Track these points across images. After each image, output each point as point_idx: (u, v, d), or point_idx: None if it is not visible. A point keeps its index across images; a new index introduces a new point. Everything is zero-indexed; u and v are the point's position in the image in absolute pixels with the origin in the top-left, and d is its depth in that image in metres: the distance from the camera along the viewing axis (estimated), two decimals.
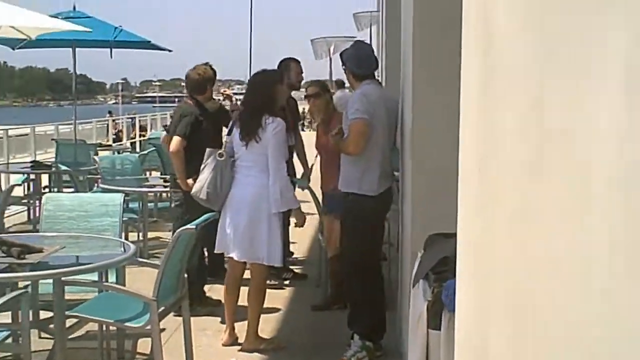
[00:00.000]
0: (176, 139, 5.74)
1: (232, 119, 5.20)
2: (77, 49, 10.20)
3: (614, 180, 0.72)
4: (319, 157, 6.07)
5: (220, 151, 5.01)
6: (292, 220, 5.47)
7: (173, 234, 4.70)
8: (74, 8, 10.62)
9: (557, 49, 0.88)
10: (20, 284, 4.40)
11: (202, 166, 5.06)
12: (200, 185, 4.96)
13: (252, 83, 5.16)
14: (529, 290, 1.04)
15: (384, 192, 4.77)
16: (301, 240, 7.94)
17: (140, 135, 20.35)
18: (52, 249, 4.42)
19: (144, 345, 4.87)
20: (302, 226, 5.26)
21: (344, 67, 4.93)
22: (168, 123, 28.17)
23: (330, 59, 25.05)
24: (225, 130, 5.66)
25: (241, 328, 5.08)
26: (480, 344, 1.35)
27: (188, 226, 4.31)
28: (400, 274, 5.06)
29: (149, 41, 10.93)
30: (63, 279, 4.19)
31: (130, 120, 23.13)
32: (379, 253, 5.08)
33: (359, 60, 4.82)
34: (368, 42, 21.40)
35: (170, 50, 11.86)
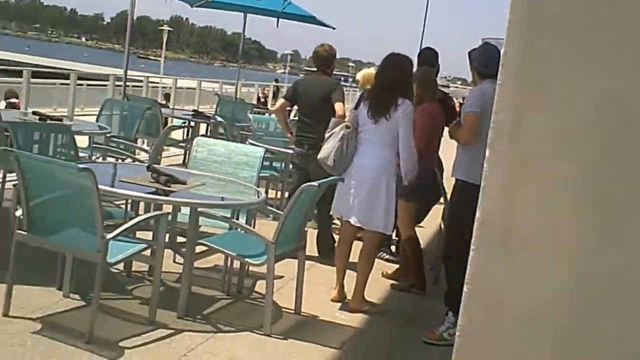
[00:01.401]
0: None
1: (360, 94, 5.52)
2: (248, 15, 10.89)
3: None
4: None
5: (347, 123, 5.38)
6: None
7: None
8: None
9: None
10: (165, 210, 5.02)
11: (328, 135, 5.47)
12: (327, 152, 5.34)
13: (389, 64, 5.43)
14: None
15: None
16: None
17: None
18: (195, 184, 5.00)
19: (261, 286, 5.37)
20: None
21: (470, 64, 5.27)
22: None
23: (468, 55, 24.52)
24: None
25: (350, 288, 5.48)
26: None
27: (312, 183, 4.74)
28: None
29: (314, 17, 11.44)
30: (199, 209, 4.76)
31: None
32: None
33: (485, 61, 5.13)
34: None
35: (333, 28, 12.32)
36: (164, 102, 13.49)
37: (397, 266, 6.47)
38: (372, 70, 6.69)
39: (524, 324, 0.88)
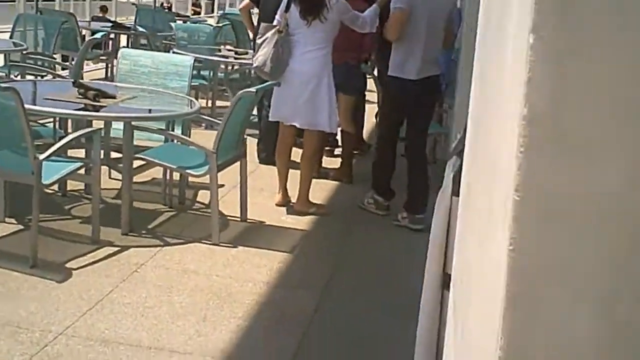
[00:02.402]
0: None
1: None
2: None
3: None
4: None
5: (278, 27, 5.19)
6: None
7: None
8: None
9: None
10: (94, 125, 4.82)
11: (260, 40, 5.31)
12: (264, 59, 5.17)
13: None
14: None
15: (425, 78, 5.14)
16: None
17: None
18: (125, 97, 4.80)
19: (202, 196, 5.29)
20: None
21: None
22: None
23: None
24: None
25: (294, 192, 5.44)
26: (465, 202, 1.53)
27: (249, 89, 4.61)
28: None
29: None
30: (133, 123, 4.58)
31: None
32: (397, 129, 5.45)
33: None
34: None
35: None
36: (100, 15, 12.89)
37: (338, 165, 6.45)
38: None
39: (584, 231, 0.81)
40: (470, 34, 4.23)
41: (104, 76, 9.95)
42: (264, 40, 5.25)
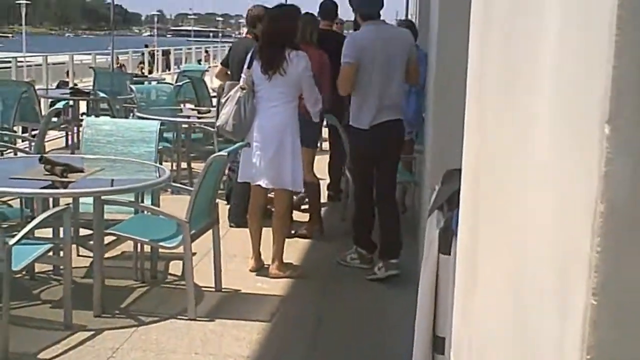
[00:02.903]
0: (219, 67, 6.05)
1: (251, 52, 5.29)
2: None
3: None
4: None
5: (241, 85, 5.17)
6: None
7: None
8: None
9: None
10: (62, 201, 4.67)
11: (224, 99, 5.26)
12: (226, 117, 5.13)
13: (272, 16, 5.33)
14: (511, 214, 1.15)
15: (380, 124, 5.15)
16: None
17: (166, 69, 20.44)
18: (93, 170, 4.67)
19: (175, 267, 5.15)
20: None
21: (351, 7, 5.36)
22: (203, 57, 27.77)
23: None
24: None
25: (268, 255, 5.32)
26: (471, 264, 1.49)
27: (220, 153, 4.52)
28: (418, 206, 5.53)
29: None
30: (103, 197, 4.45)
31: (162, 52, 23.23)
32: (370, 181, 5.40)
33: (364, 1, 5.22)
34: None
35: None
36: (66, 80, 12.76)
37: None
38: None
39: None
40: (438, 82, 4.23)
41: (64, 145, 9.79)
42: (227, 99, 5.21)
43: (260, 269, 5.31)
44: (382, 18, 5.39)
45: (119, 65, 17.63)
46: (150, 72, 20.38)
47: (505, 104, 1.21)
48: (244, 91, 5.12)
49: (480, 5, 1.58)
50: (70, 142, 9.55)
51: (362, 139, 5.25)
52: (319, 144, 7.15)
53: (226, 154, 4.51)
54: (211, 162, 4.46)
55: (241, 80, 5.25)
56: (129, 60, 18.37)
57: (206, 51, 30.14)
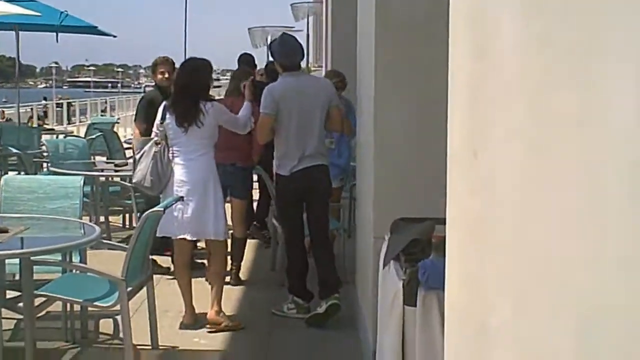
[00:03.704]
0: (136, 125, 5.94)
1: (162, 106, 5.26)
2: (20, 33, 10.11)
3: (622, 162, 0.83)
4: None
5: (156, 139, 5.15)
6: None
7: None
8: None
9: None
10: None
11: (139, 155, 5.25)
12: (142, 173, 5.10)
13: (186, 69, 5.33)
14: (531, 268, 1.14)
15: (302, 170, 5.24)
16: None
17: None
18: (18, 230, 4.49)
19: (105, 325, 4.99)
20: None
21: (272, 58, 5.53)
22: (109, 108, 27.15)
23: (268, 47, 24.82)
24: None
25: (200, 308, 5.24)
26: (478, 321, 1.46)
27: (155, 208, 4.44)
28: (357, 252, 5.64)
29: (96, 27, 10.91)
30: (32, 258, 4.29)
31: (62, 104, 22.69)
32: (299, 227, 5.48)
33: (284, 53, 5.33)
34: (305, 31, 21.62)
35: (114, 36, 11.83)
36: (41, 123, 12.25)
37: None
38: None
39: None
40: (379, 133, 4.31)
41: None
42: (142, 155, 5.18)
43: (195, 323, 5.19)
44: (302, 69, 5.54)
45: (6, 119, 17.14)
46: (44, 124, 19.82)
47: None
48: (159, 145, 5.11)
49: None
50: None
51: (286, 184, 5.33)
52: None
53: (162, 209, 4.44)
54: (147, 217, 4.37)
55: (153, 133, 5.25)
56: (33, 113, 17.87)
57: (105, 102, 29.73)
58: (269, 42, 24.87)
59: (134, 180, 5.26)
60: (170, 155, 5.12)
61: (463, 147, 1.61)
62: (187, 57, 5.61)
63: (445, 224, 3.18)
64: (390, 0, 3.97)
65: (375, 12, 3.99)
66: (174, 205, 4.98)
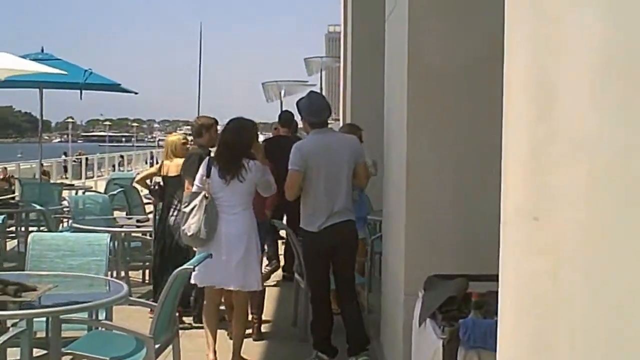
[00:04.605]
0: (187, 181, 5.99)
1: (207, 160, 5.49)
2: (44, 90, 10.29)
3: None
4: None
5: (205, 193, 5.33)
6: None
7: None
8: (42, 50, 10.70)
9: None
10: (13, 321, 4.47)
11: (189, 208, 5.36)
12: (197, 226, 5.27)
13: (232, 127, 5.56)
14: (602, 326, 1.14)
15: (330, 226, 5.28)
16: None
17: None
18: (46, 287, 4.49)
19: None
20: None
21: (300, 115, 5.59)
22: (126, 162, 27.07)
23: (281, 102, 25.08)
24: None
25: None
26: None
27: (186, 266, 4.46)
28: (383, 308, 5.62)
29: (119, 84, 11.08)
30: (61, 316, 4.29)
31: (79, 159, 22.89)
32: (326, 283, 5.49)
33: (312, 111, 5.43)
34: (318, 85, 21.82)
35: (136, 93, 12.02)
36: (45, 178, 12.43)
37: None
38: (175, 137, 7.02)
39: None
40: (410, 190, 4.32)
41: None
42: (192, 208, 5.33)
43: None
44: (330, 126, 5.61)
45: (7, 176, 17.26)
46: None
47: None
48: (208, 199, 5.31)
49: None
50: None
51: (314, 240, 5.35)
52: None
53: (192, 267, 4.46)
54: (177, 275, 4.38)
55: (195, 187, 5.41)
56: (53, 168, 18.03)
57: (121, 156, 30.05)
58: (282, 96, 25.35)
59: (189, 234, 5.33)
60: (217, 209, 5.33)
61: (520, 211, 1.61)
62: (233, 117, 5.73)
63: (478, 280, 3.19)
64: (423, 51, 4.00)
65: (407, 63, 4.02)
66: (219, 257, 5.20)
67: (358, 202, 6.42)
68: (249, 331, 6.04)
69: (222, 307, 5.90)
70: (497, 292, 1.79)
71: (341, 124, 11.93)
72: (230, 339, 5.60)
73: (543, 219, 1.42)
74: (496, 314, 1.94)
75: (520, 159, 1.55)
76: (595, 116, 1.17)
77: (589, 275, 1.21)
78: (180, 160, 6.54)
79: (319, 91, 16.43)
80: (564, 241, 1.34)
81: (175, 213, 6.27)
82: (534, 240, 1.53)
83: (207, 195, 5.31)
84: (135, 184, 8.77)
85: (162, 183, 6.93)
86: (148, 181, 7.75)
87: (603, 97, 1.14)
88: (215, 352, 5.45)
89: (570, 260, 1.32)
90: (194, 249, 5.57)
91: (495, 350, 1.80)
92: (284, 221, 7.35)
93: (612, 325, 1.10)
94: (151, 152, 27.64)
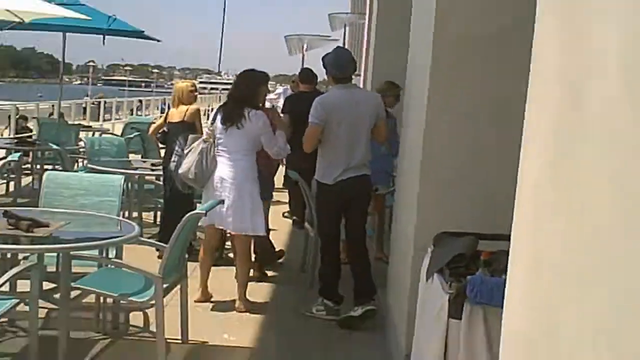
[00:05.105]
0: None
1: (216, 109, 5.75)
2: (67, 34, 10.29)
3: None
4: None
5: (204, 137, 5.61)
6: None
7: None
8: None
9: None
10: (24, 255, 4.53)
11: (187, 150, 5.66)
12: (188, 167, 5.55)
13: (240, 78, 5.79)
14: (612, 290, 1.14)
15: (344, 180, 5.29)
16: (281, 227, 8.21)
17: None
18: (58, 224, 4.55)
19: (135, 318, 5.07)
20: None
21: (325, 69, 5.51)
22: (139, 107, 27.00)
23: (303, 56, 24.92)
24: None
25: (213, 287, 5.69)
26: (544, 349, 1.46)
27: (197, 210, 4.51)
28: (392, 261, 5.64)
29: (143, 31, 11.03)
30: (71, 253, 4.35)
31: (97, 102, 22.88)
32: (336, 235, 5.54)
33: (338, 65, 5.39)
34: (342, 41, 21.59)
35: (159, 40, 11.99)
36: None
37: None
38: (183, 84, 7.02)
39: None
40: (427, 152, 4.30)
41: (4, 192, 9.55)
42: (189, 150, 5.63)
43: (206, 301, 5.65)
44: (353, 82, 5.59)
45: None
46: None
47: None
48: (206, 143, 5.54)
49: None
50: (15, 189, 9.31)
51: (328, 193, 5.37)
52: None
53: (204, 212, 4.51)
54: (188, 219, 4.42)
55: (204, 133, 5.67)
56: (71, 109, 18.07)
57: (140, 101, 30.02)
58: (304, 50, 25.14)
59: (179, 172, 5.63)
60: (216, 154, 5.52)
61: (539, 179, 1.59)
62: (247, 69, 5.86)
63: (488, 239, 3.19)
64: (449, 17, 3.97)
65: (434, 27, 4.00)
66: (216, 198, 5.32)
67: (386, 155, 6.49)
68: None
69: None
70: (506, 252, 1.79)
71: (362, 80, 11.84)
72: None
73: (561, 185, 1.41)
74: (504, 272, 1.95)
75: (543, 127, 1.55)
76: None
77: (604, 242, 1.20)
78: (185, 107, 6.61)
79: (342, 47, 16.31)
80: (582, 205, 1.31)
81: (175, 159, 6.27)
82: (551, 204, 1.51)
83: (206, 139, 5.54)
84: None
85: (165, 129, 6.94)
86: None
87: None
88: (205, 288, 5.67)
89: (586, 226, 1.30)
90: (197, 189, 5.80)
91: (500, 307, 1.81)
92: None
93: (624, 294, 1.09)
94: (164, 99, 27.52)
